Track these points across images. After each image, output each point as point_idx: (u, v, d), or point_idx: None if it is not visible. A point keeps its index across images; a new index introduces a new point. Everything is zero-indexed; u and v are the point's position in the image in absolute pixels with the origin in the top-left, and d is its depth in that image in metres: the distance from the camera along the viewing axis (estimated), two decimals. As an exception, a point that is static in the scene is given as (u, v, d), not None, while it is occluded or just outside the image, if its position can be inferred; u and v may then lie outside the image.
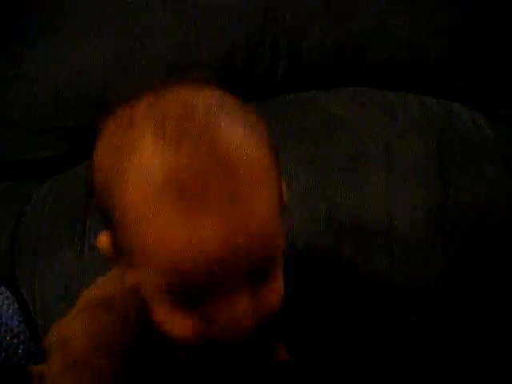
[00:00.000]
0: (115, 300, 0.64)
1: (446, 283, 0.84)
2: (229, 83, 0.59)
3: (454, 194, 0.85)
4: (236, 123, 0.57)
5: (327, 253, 0.86)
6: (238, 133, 0.56)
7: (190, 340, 0.59)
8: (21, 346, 0.88)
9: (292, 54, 0.95)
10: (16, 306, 0.94)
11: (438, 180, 0.86)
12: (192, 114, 0.55)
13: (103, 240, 0.62)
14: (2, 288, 0.95)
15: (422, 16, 0.93)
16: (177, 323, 0.58)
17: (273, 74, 0.96)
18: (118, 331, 0.62)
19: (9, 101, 1.01)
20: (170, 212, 0.52)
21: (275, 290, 0.62)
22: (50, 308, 0.97)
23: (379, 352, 0.83)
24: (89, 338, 0.63)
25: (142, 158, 0.54)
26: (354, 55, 0.93)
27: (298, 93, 0.93)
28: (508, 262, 0.85)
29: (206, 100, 0.58)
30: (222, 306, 0.57)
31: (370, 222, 0.85)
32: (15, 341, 0.88)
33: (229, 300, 0.57)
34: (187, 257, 0.53)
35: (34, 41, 1.01)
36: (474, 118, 0.91)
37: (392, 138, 0.87)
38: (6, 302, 0.93)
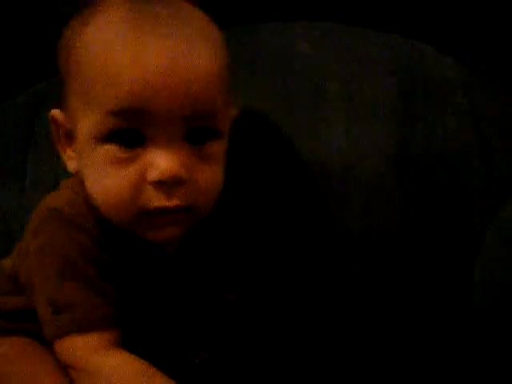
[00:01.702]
0: (69, 208, 0.64)
1: (400, 238, 0.80)
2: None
3: (415, 136, 0.80)
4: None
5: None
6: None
7: (124, 193, 0.60)
8: None
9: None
10: None
11: (400, 122, 0.81)
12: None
13: (57, 113, 0.66)
14: None
15: None
16: (116, 175, 0.60)
17: None
18: (85, 243, 0.62)
19: None
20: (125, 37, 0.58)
21: (214, 170, 0.62)
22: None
23: (327, 303, 0.81)
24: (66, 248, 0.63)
25: (101, 14, 0.61)
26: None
27: (258, 24, 0.87)
28: (457, 218, 0.82)
29: None
30: (161, 151, 0.58)
31: (328, 166, 0.80)
32: None
33: (168, 146, 0.58)
34: (135, 70, 0.57)
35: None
36: (445, 62, 0.86)
37: (354, 75, 0.82)
38: None
